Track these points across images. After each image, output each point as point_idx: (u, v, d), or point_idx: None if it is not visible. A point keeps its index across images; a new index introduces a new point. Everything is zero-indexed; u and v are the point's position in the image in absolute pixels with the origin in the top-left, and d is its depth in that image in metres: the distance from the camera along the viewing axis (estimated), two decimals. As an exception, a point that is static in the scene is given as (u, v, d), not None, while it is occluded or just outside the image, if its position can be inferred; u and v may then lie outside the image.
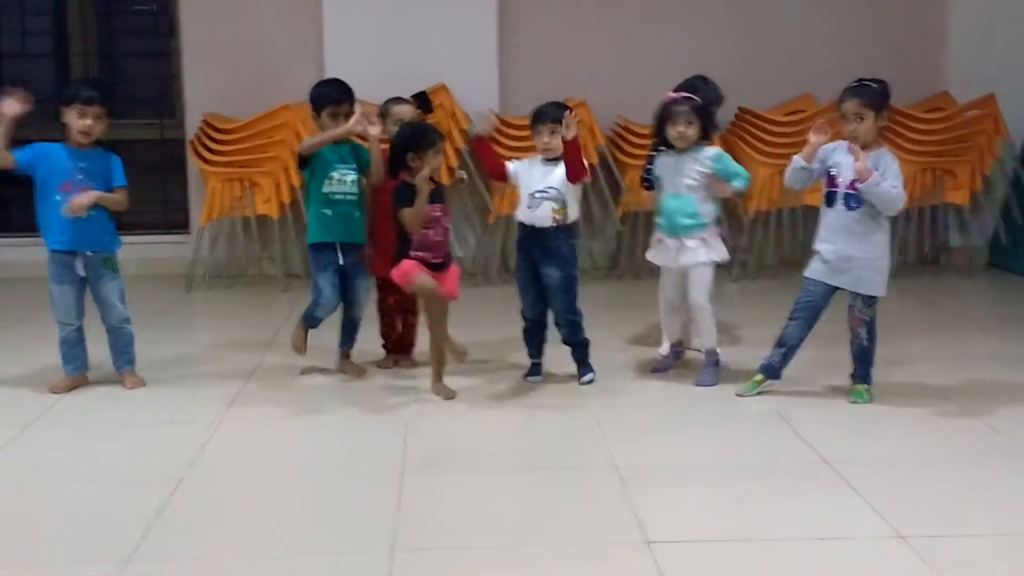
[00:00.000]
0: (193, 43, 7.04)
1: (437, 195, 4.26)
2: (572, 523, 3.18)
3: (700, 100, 4.51)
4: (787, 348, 4.34)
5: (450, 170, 6.55)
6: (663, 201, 4.54)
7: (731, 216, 6.78)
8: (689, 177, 4.48)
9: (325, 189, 4.55)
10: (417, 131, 4.33)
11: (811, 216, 6.87)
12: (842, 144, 4.28)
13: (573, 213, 4.47)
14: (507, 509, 3.32)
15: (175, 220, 7.27)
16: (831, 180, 4.29)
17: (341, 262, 4.58)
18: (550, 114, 4.45)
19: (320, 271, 4.60)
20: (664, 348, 4.85)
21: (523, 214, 4.49)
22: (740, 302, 6.34)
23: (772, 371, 4.37)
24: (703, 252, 4.50)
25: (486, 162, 4.62)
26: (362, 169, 4.62)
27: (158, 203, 7.36)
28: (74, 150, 4.40)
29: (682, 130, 4.47)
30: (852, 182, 4.19)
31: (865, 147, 4.18)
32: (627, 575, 2.84)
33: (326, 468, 3.70)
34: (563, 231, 4.44)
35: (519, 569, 2.89)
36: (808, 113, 6.74)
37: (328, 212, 4.56)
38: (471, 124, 6.78)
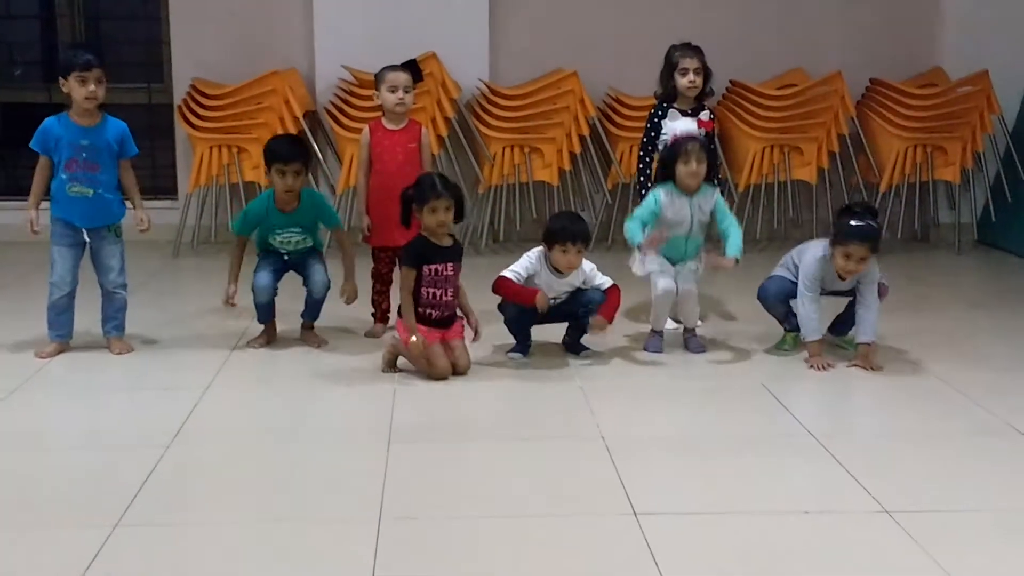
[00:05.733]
0: (182, 7, 6.97)
1: (452, 253, 4.26)
2: (560, 494, 3.19)
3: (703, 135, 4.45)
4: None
5: (440, 140, 6.54)
6: (674, 242, 4.42)
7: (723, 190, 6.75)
8: (701, 219, 4.42)
9: (270, 241, 4.62)
10: (418, 185, 4.24)
11: (802, 190, 6.92)
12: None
13: None
14: (495, 479, 3.31)
15: (163, 186, 7.21)
16: None
17: (287, 258, 4.64)
18: (580, 236, 4.24)
19: (261, 263, 4.63)
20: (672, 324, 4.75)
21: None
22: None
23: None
24: (699, 267, 4.58)
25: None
26: (327, 222, 4.70)
27: (146, 168, 7.27)
28: (77, 126, 4.34)
29: (696, 169, 4.29)
30: None
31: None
32: (615, 547, 2.84)
33: (313, 435, 3.70)
34: None
35: (507, 538, 2.89)
36: (800, 87, 6.72)
37: (279, 251, 4.64)
38: (460, 93, 6.75)
